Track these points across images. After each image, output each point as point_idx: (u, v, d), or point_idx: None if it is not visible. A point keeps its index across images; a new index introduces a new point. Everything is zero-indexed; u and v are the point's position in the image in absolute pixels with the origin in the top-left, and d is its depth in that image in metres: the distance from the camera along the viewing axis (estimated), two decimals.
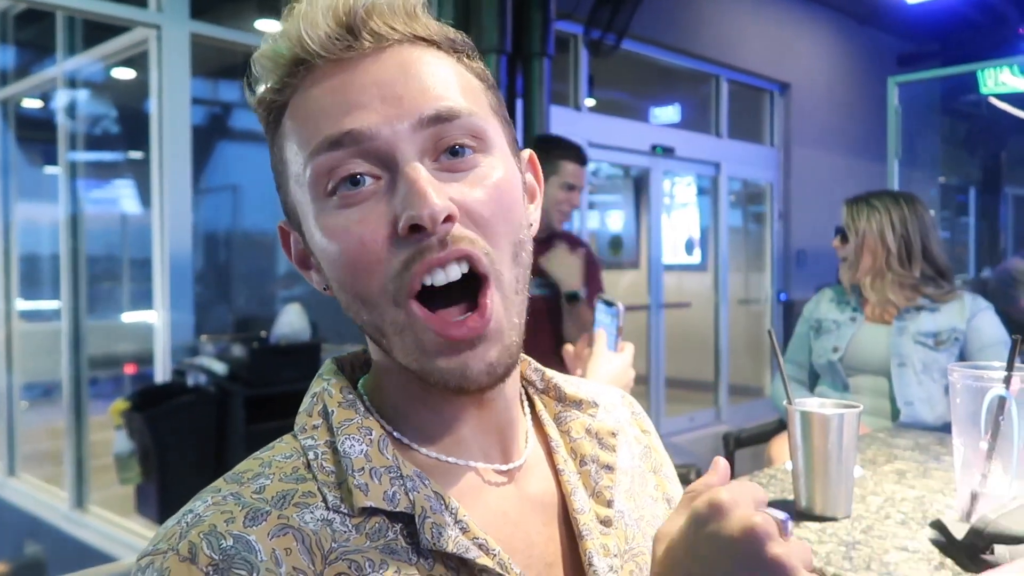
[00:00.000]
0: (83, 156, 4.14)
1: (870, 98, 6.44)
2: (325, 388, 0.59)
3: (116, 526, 3.56)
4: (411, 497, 0.53)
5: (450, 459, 0.58)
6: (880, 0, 6.09)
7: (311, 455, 0.55)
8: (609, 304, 1.38)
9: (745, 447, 2.25)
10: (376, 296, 0.54)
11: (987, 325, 2.08)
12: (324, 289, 0.60)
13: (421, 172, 0.52)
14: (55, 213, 4.04)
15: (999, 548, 0.98)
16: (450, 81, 0.56)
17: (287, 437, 0.58)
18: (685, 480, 1.86)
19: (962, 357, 2.08)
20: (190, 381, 3.31)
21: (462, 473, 0.59)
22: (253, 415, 3.14)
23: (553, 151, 2.40)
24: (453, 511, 0.54)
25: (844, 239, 2.22)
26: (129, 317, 4.46)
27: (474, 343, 0.53)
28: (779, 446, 2.19)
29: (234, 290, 4.92)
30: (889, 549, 1.04)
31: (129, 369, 4.38)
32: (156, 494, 3.19)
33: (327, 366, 0.62)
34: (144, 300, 3.63)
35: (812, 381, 2.36)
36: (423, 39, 0.56)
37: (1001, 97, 6.80)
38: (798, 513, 1.19)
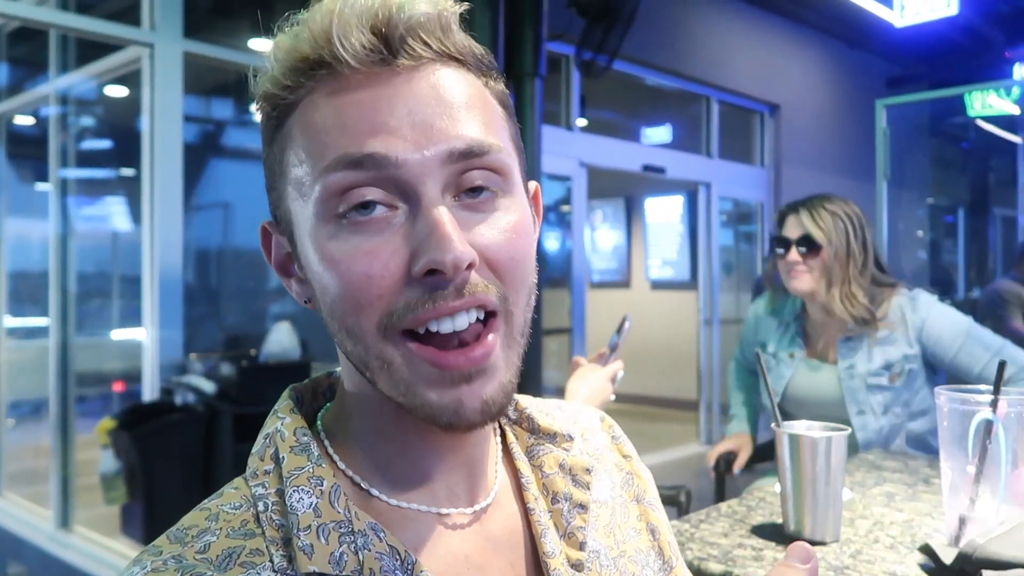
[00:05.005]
0: (74, 173, 4.13)
1: (859, 120, 6.51)
2: (278, 429, 0.55)
3: (101, 547, 3.52)
4: (360, 557, 0.49)
5: (412, 505, 0.55)
6: (869, 23, 6.16)
7: (260, 506, 0.51)
8: (623, 321, 1.62)
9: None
10: (366, 331, 0.50)
11: (943, 326, 1.89)
12: (306, 302, 0.56)
13: (445, 215, 0.49)
14: (45, 230, 4.03)
15: (987, 574, 0.98)
16: (478, 111, 0.52)
17: (239, 481, 0.55)
18: (675, 501, 1.84)
19: (934, 366, 1.94)
20: (178, 400, 3.29)
21: (423, 519, 0.55)
22: (241, 434, 3.12)
23: None
24: (409, 567, 0.51)
25: (811, 247, 1.92)
26: (118, 334, 4.44)
27: (471, 376, 0.50)
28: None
29: (224, 308, 4.90)
30: (878, 574, 1.04)
31: (117, 387, 4.34)
32: (142, 514, 3.15)
33: (283, 401, 0.58)
34: (134, 317, 3.61)
35: None
36: (455, 59, 0.53)
37: (988, 119, 6.88)
38: (787, 537, 1.18)
